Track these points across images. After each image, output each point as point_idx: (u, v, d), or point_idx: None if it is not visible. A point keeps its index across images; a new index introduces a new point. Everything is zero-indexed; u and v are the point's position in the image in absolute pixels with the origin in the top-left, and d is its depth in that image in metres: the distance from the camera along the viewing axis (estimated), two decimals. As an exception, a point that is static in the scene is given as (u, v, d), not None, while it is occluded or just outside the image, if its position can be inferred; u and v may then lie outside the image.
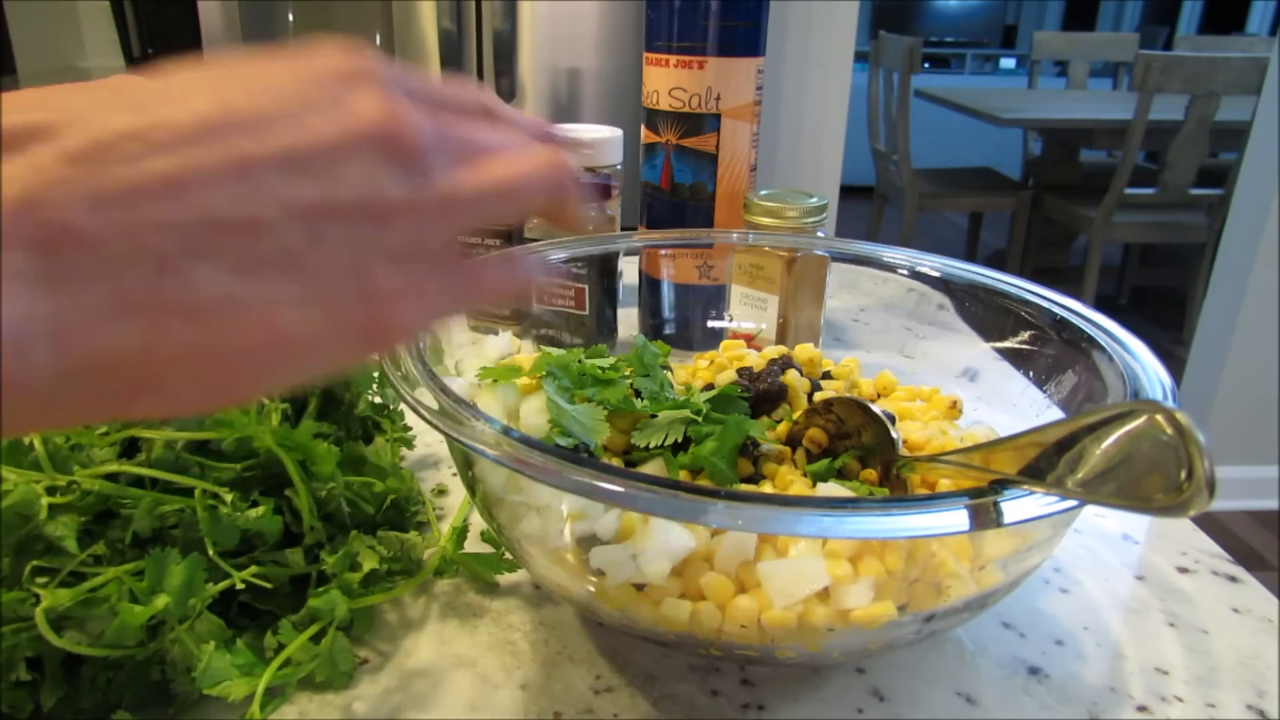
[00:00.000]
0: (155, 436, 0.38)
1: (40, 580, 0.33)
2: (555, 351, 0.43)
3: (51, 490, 0.35)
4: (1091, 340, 0.41)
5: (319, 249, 0.22)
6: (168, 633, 0.33)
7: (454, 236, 0.25)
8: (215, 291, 0.20)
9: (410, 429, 0.51)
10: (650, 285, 0.69)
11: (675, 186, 0.66)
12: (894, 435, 0.39)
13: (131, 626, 0.32)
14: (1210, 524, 2.06)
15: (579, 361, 0.42)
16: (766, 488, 0.39)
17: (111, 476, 0.37)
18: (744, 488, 0.39)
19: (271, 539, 0.38)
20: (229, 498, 0.37)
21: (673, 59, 0.63)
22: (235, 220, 0.20)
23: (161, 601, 0.33)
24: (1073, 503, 0.27)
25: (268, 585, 0.37)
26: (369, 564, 0.39)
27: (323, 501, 0.40)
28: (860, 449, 0.40)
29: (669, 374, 0.46)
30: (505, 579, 0.43)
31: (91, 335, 0.18)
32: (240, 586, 0.36)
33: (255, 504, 0.37)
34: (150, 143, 0.20)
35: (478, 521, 0.46)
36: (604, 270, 0.62)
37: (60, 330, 0.18)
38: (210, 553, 0.36)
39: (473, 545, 0.44)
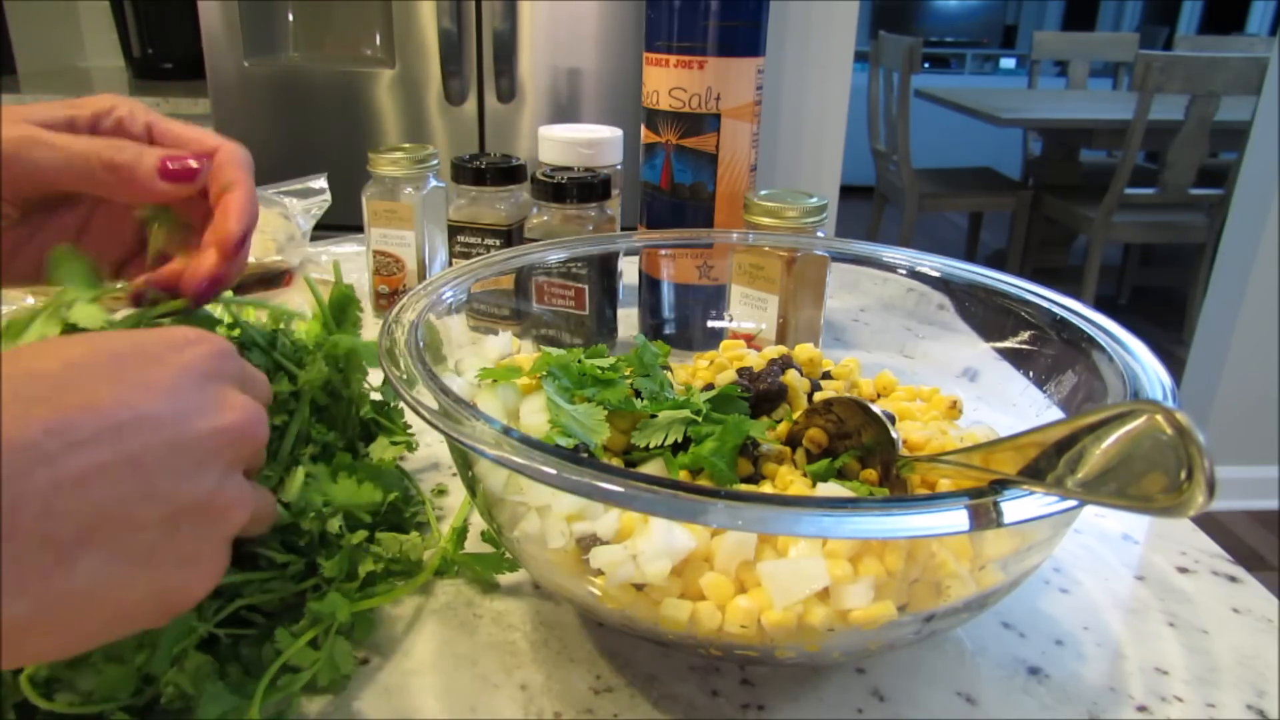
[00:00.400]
0: None
1: None
2: (555, 351, 0.43)
3: None
4: (1091, 340, 0.41)
5: (171, 542, 0.25)
6: (162, 676, 0.33)
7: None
8: (91, 579, 0.23)
9: (411, 429, 0.51)
10: (650, 285, 0.69)
11: (675, 186, 0.66)
12: (894, 435, 0.39)
13: (123, 679, 0.32)
14: (1210, 524, 2.06)
15: (579, 361, 0.42)
16: (766, 488, 0.39)
17: None
18: (744, 488, 0.39)
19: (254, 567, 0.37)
20: None
21: (673, 59, 0.63)
22: (122, 517, 0.24)
23: (142, 657, 0.32)
24: (1073, 503, 0.27)
25: (257, 620, 0.36)
26: (366, 568, 0.39)
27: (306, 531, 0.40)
28: (860, 449, 0.40)
29: (669, 374, 0.46)
30: (505, 579, 0.43)
31: None
32: (230, 612, 0.35)
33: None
34: (64, 442, 0.23)
35: (478, 522, 0.46)
36: (604, 270, 0.62)
37: None
38: None
39: (473, 545, 0.44)
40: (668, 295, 0.69)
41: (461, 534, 0.43)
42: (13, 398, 0.23)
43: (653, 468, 0.39)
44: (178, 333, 0.29)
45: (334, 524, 0.39)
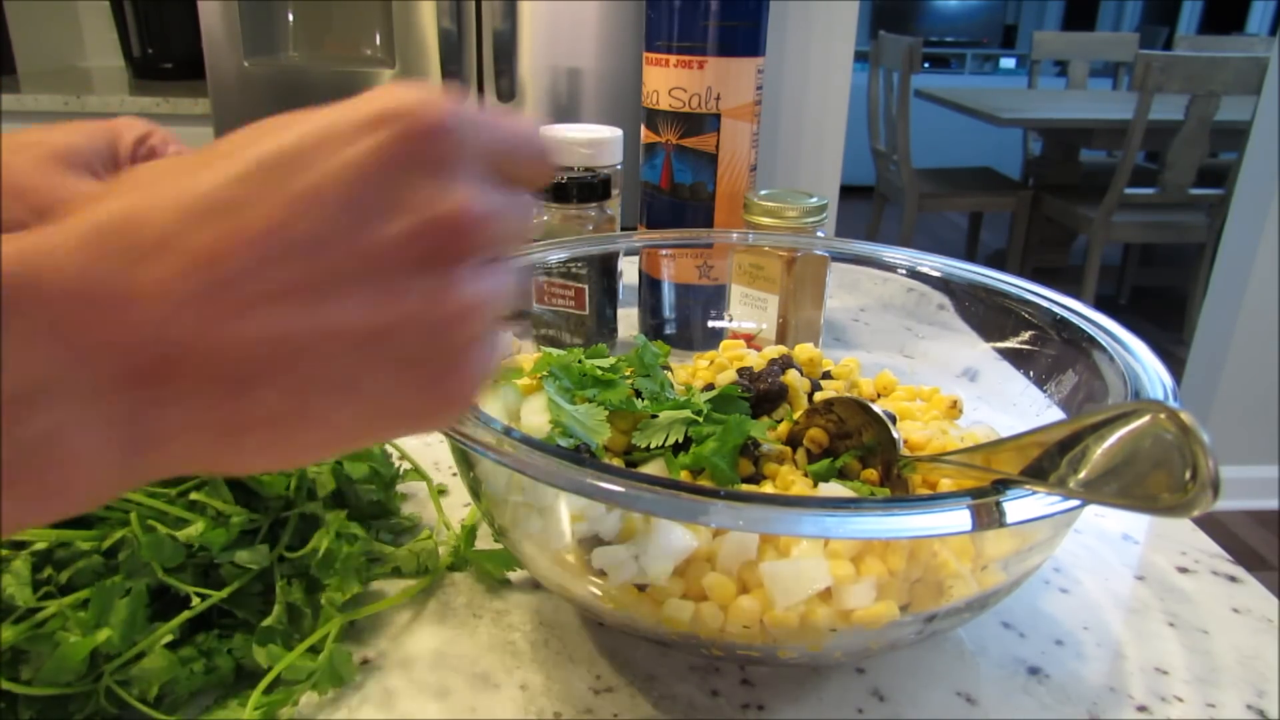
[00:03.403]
0: None
1: None
2: (556, 352, 0.43)
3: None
4: (1092, 340, 0.41)
5: (370, 366, 0.22)
6: (107, 666, 0.33)
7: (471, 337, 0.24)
8: (276, 409, 0.21)
9: None
10: (650, 285, 0.69)
11: (675, 186, 0.66)
12: (895, 435, 0.39)
13: (71, 660, 0.32)
14: (1210, 524, 2.05)
15: (579, 362, 0.42)
16: (768, 488, 0.39)
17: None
18: (745, 488, 0.39)
19: (218, 548, 0.36)
20: (173, 514, 0.36)
21: (673, 59, 0.63)
22: (304, 343, 0.21)
23: (103, 635, 0.32)
24: (1075, 503, 0.27)
25: (221, 598, 0.36)
26: (367, 576, 0.39)
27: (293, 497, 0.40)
28: (861, 449, 0.40)
29: (669, 374, 0.46)
30: (506, 579, 0.43)
31: (169, 447, 0.20)
32: (196, 603, 0.35)
33: (209, 514, 0.37)
34: (236, 265, 0.20)
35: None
36: (604, 270, 0.62)
37: (145, 456, 0.20)
38: (159, 574, 0.35)
39: (483, 543, 0.44)
40: (668, 295, 0.69)
41: (473, 531, 0.43)
42: (188, 212, 0.20)
43: (654, 468, 0.39)
44: (360, 110, 0.22)
45: (330, 521, 0.39)
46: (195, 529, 0.36)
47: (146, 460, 0.20)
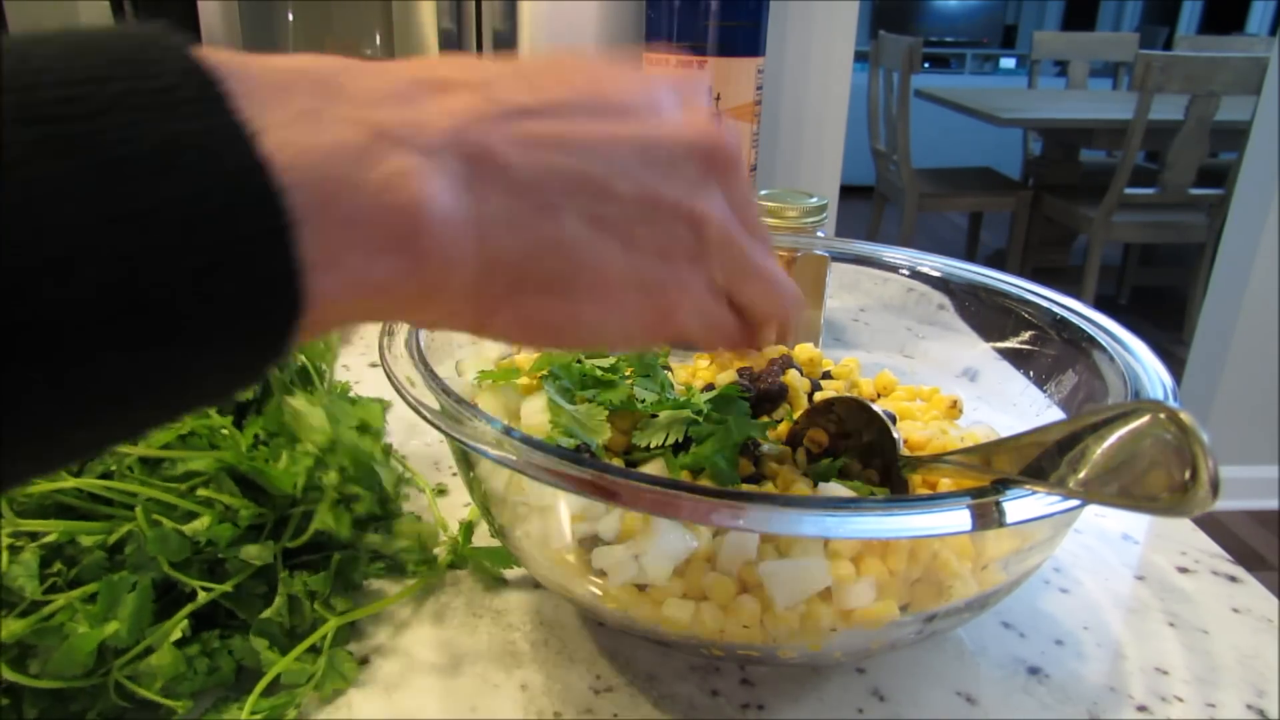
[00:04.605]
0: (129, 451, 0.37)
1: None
2: (555, 352, 0.43)
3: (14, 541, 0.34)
4: (1092, 340, 0.41)
5: (650, 229, 0.25)
6: (115, 662, 0.33)
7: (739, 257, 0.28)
8: (571, 232, 0.24)
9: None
10: (651, 285, 0.69)
11: (676, 186, 0.66)
12: (895, 435, 0.39)
13: (79, 653, 0.32)
14: (1210, 524, 2.05)
15: (579, 362, 0.42)
16: (768, 488, 0.39)
17: (64, 509, 0.36)
18: (745, 488, 0.39)
19: (225, 543, 0.37)
20: (181, 508, 0.36)
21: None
22: (597, 182, 0.24)
23: (111, 628, 0.32)
24: (1075, 503, 0.27)
25: (228, 590, 0.36)
26: (365, 570, 0.39)
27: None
28: (861, 449, 0.40)
29: (669, 374, 0.46)
30: (505, 578, 0.43)
31: (494, 236, 0.23)
32: (202, 595, 0.35)
33: (217, 507, 0.37)
34: (546, 106, 0.24)
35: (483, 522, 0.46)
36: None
37: (478, 224, 0.22)
38: (165, 568, 0.35)
39: (480, 540, 0.44)
40: (668, 295, 0.69)
41: (470, 527, 0.43)
42: (502, 78, 0.24)
43: (654, 468, 0.39)
44: (680, 134, 0.27)
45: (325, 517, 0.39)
46: (202, 523, 0.36)
47: (483, 246, 0.22)
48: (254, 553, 0.37)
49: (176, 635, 0.34)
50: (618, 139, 0.25)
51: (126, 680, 0.33)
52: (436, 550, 0.43)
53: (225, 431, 0.39)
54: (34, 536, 0.35)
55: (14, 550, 0.34)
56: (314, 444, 0.39)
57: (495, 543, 0.43)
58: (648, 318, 0.26)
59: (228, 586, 0.36)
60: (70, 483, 0.36)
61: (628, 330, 0.26)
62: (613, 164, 0.25)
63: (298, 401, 0.39)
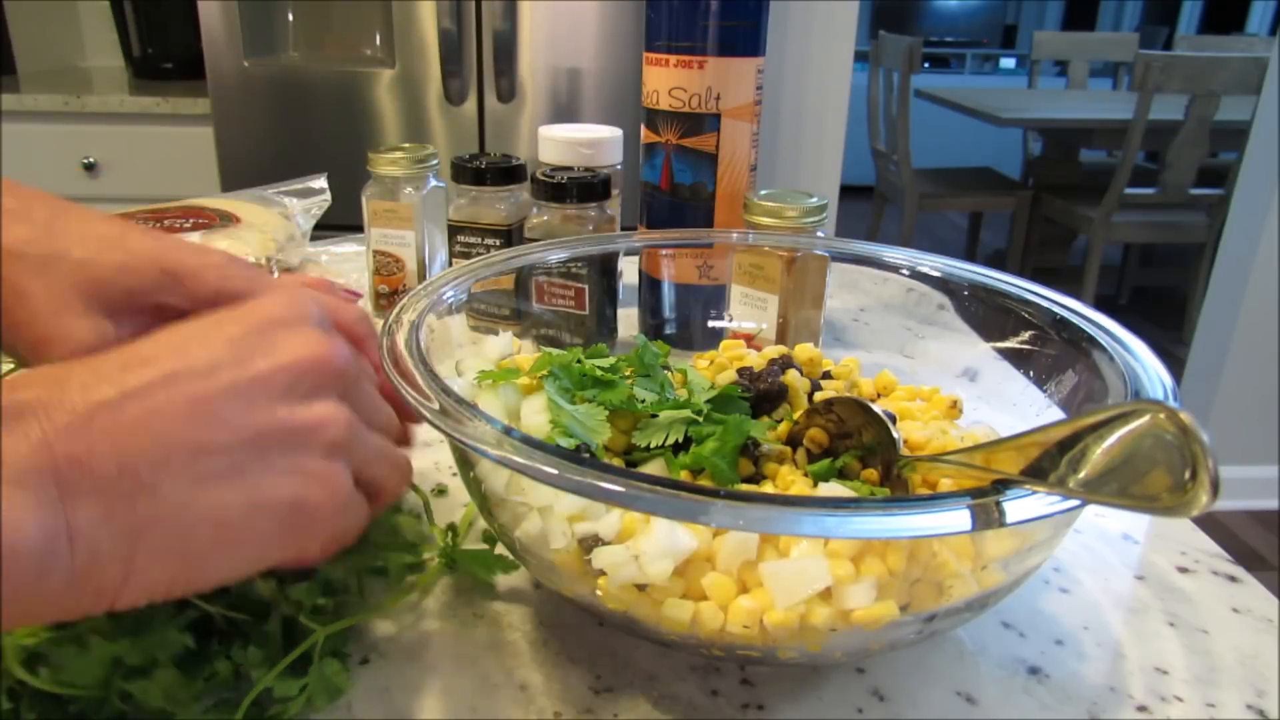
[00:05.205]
0: None
1: None
2: (556, 352, 0.43)
3: None
4: (1092, 340, 0.41)
5: (262, 461, 0.28)
6: (117, 677, 0.32)
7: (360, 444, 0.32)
8: (173, 501, 0.26)
9: None
10: (650, 285, 0.69)
11: (675, 186, 0.66)
12: (895, 435, 0.39)
13: (93, 665, 0.31)
14: (1210, 524, 2.05)
15: (579, 362, 0.42)
16: (768, 488, 0.39)
17: None
18: (745, 488, 0.39)
19: None
20: None
21: (673, 59, 0.63)
22: (189, 446, 0.26)
23: (122, 646, 0.32)
24: (1075, 503, 0.27)
25: (237, 615, 0.36)
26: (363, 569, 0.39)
27: None
28: (861, 449, 0.40)
29: (669, 374, 0.46)
30: (505, 579, 0.43)
31: (90, 539, 0.24)
32: (211, 611, 0.35)
33: None
34: (125, 395, 0.26)
35: (479, 522, 0.46)
36: (604, 270, 0.62)
37: (68, 534, 0.24)
38: None
39: (471, 545, 0.44)
40: (668, 295, 0.69)
41: (454, 528, 0.43)
42: (82, 383, 0.26)
43: (654, 468, 0.39)
44: (262, 306, 0.31)
45: None
46: None
47: (72, 544, 0.24)
48: (264, 588, 0.37)
49: (180, 649, 0.34)
50: (208, 396, 0.27)
51: (135, 691, 0.33)
52: (431, 554, 0.43)
53: None
54: None
55: None
56: None
57: (483, 546, 0.43)
58: (289, 533, 0.29)
59: (223, 604, 0.36)
60: None
61: (266, 554, 0.29)
62: (209, 421, 0.27)
63: None
